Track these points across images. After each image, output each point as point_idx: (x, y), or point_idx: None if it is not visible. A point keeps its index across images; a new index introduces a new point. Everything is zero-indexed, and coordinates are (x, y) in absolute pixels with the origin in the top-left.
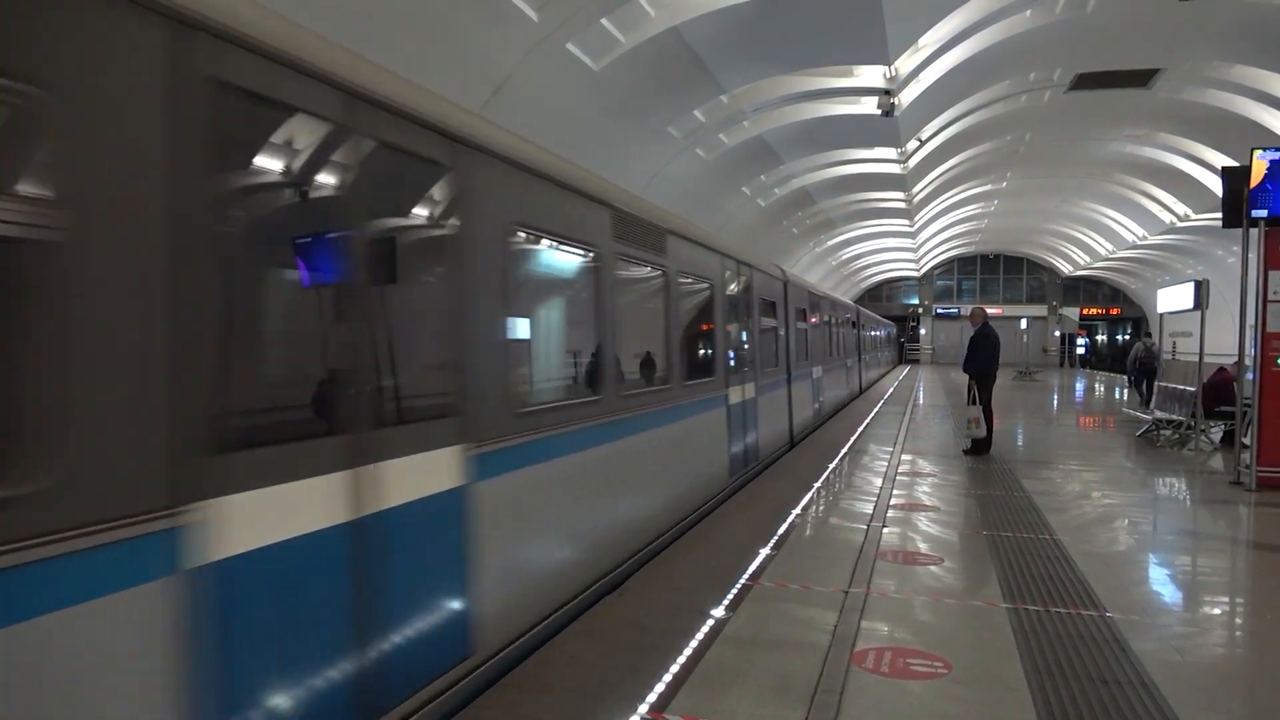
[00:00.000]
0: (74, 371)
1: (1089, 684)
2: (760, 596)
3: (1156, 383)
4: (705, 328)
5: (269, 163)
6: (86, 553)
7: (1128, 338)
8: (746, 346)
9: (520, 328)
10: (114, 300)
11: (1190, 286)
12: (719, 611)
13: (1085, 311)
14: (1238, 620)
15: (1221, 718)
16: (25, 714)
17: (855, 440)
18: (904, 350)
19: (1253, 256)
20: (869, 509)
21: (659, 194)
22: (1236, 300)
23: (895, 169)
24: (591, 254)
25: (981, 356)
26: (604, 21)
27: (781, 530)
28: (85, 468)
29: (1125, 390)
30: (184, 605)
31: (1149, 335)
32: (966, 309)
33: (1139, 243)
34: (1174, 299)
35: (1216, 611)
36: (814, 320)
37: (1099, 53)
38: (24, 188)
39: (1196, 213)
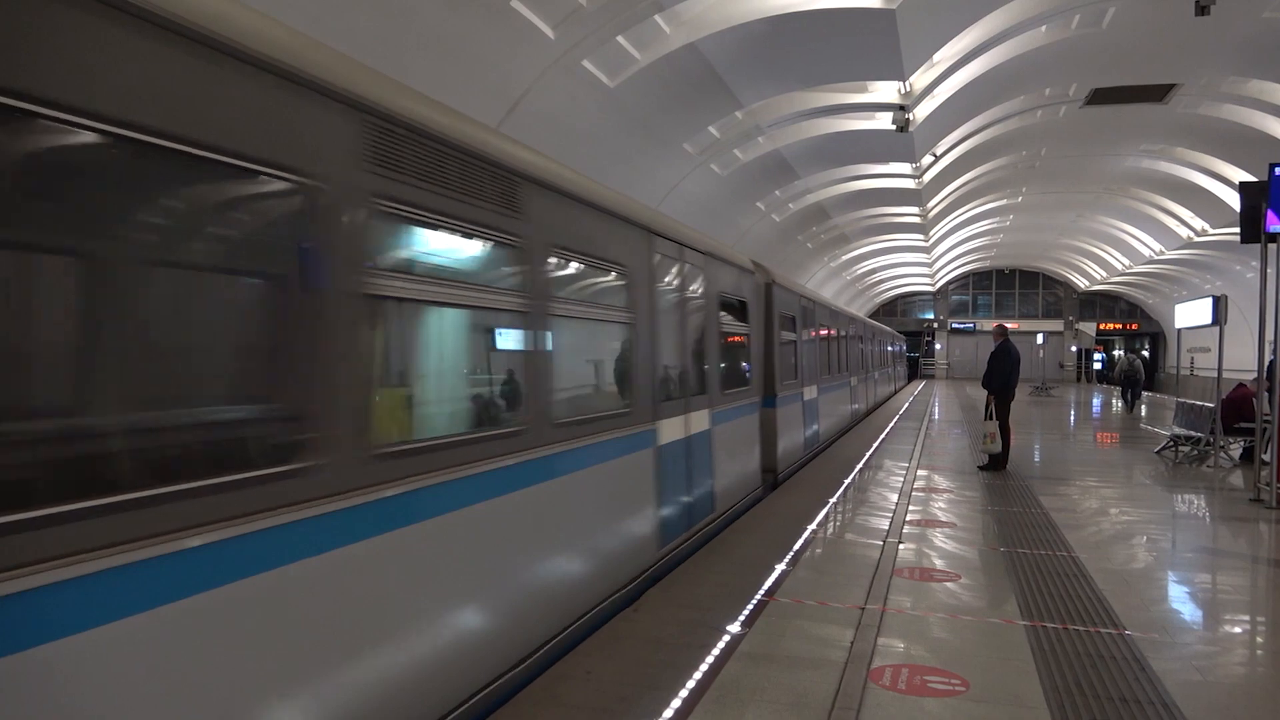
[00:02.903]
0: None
1: (1108, 703)
2: (776, 613)
3: (1141, 392)
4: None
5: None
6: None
7: (1145, 352)
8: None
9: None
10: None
11: (1208, 302)
12: (735, 628)
13: (1102, 327)
14: (1259, 639)
15: None
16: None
17: (871, 455)
18: (920, 366)
19: (1271, 272)
20: (885, 525)
21: (674, 209)
22: (1256, 316)
23: (910, 184)
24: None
25: (1002, 372)
26: (620, 39)
27: (797, 546)
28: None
29: (1142, 405)
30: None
31: (1133, 351)
32: (982, 324)
33: (1156, 258)
34: (1192, 314)
35: (1237, 630)
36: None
37: (1115, 68)
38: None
39: (1214, 228)
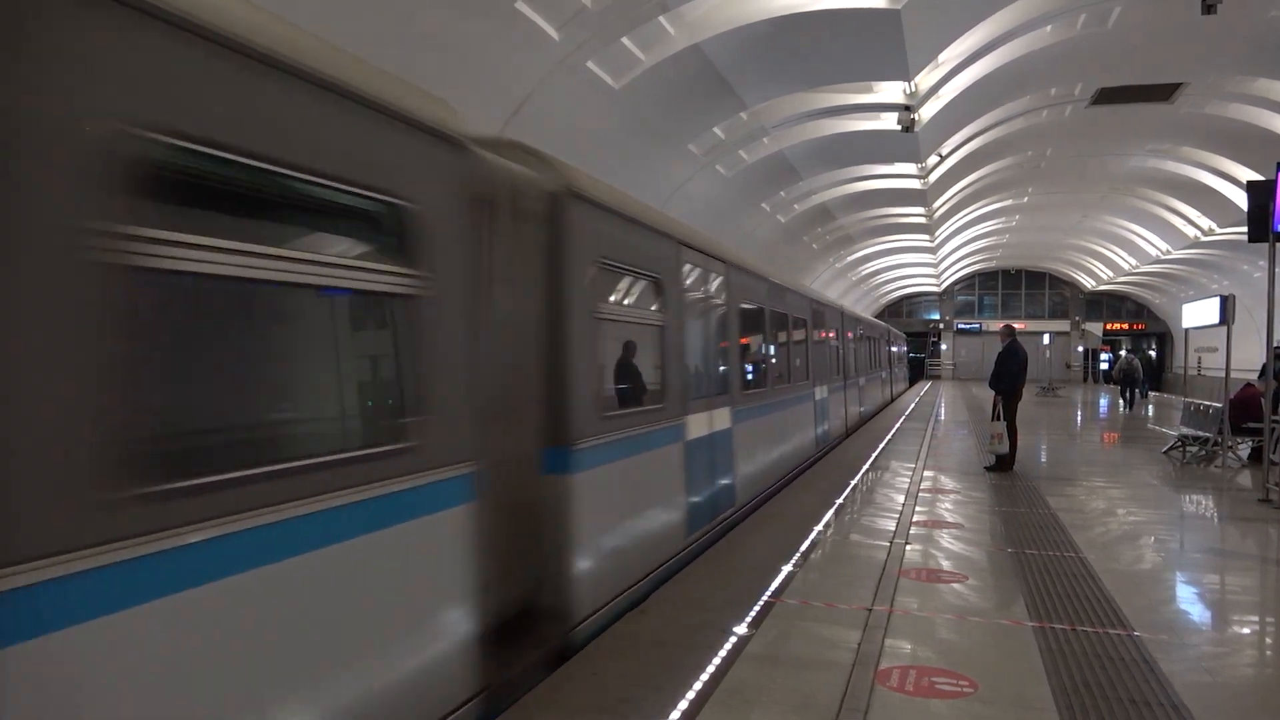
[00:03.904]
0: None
1: (1117, 705)
2: (783, 614)
3: (1137, 390)
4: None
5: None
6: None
7: (1152, 352)
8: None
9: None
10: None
11: (1216, 302)
12: (741, 629)
13: (1109, 327)
14: (1268, 640)
15: None
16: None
17: (877, 457)
18: (925, 367)
19: (1279, 271)
20: (891, 526)
21: (679, 211)
22: (1263, 315)
23: (915, 184)
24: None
25: (1009, 372)
26: (625, 40)
27: (803, 547)
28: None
29: (1148, 405)
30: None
31: (1131, 351)
32: (988, 324)
33: (1163, 257)
34: (1199, 314)
35: (1246, 631)
36: None
37: (1121, 67)
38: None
39: (1221, 227)
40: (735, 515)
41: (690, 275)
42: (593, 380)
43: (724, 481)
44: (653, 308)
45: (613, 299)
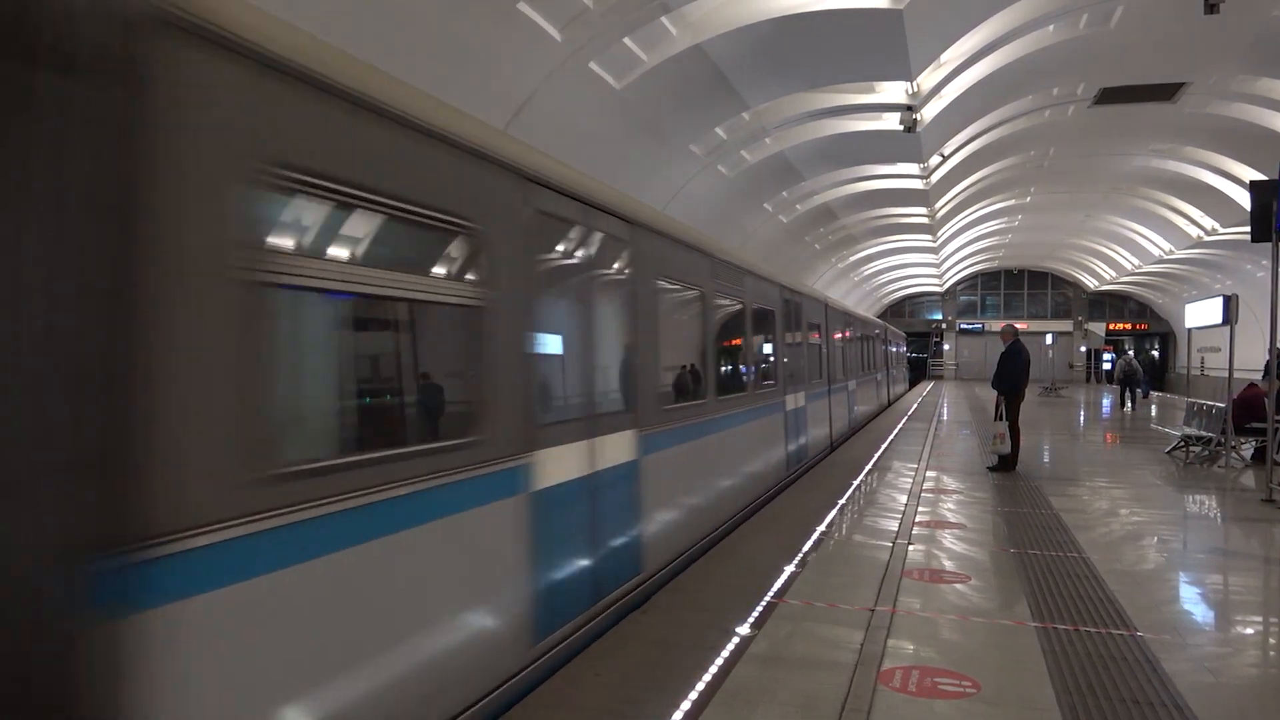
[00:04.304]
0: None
1: (1120, 705)
2: (785, 615)
3: (1148, 391)
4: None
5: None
6: None
7: (1155, 352)
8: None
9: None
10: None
11: (1219, 301)
12: (744, 630)
13: (1111, 326)
14: (1271, 640)
15: None
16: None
17: (879, 457)
18: (928, 367)
19: None
20: (894, 526)
21: (680, 211)
22: (1267, 315)
23: (918, 184)
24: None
25: (1011, 373)
26: (626, 40)
27: (806, 548)
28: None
29: (1151, 405)
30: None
31: (1128, 351)
32: (990, 325)
33: (1166, 257)
34: (1202, 314)
35: (1249, 631)
36: None
37: (1123, 67)
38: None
39: (1224, 227)
40: (642, 587)
41: (551, 233)
42: (235, 402)
43: (618, 541)
44: (467, 276)
45: (332, 251)
